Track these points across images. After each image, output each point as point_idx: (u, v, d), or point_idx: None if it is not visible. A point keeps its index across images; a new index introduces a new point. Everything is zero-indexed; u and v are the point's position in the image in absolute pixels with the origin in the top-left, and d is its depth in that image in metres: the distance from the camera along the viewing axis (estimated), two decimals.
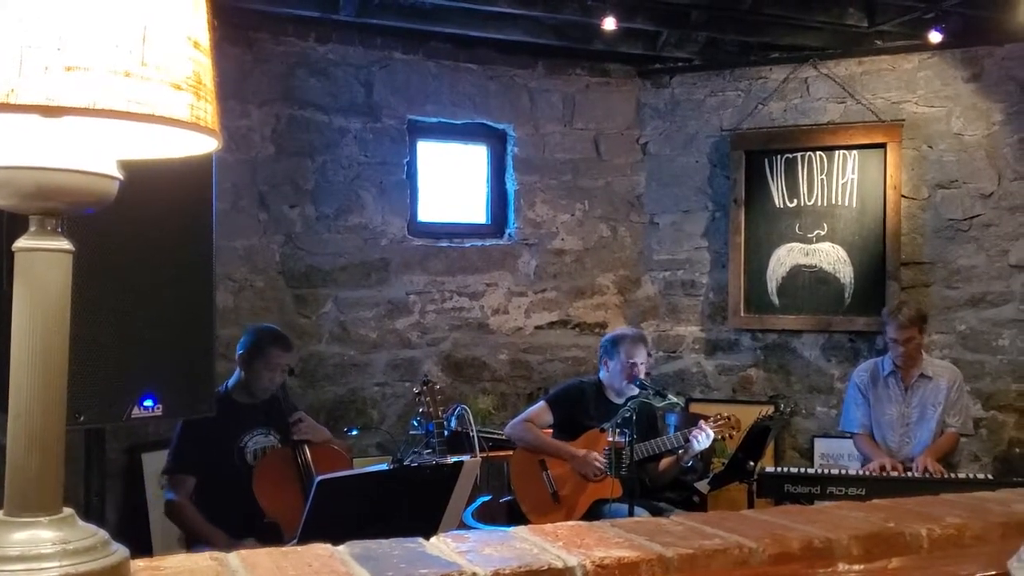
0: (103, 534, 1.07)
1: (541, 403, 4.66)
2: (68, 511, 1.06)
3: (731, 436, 4.49)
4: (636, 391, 4.39)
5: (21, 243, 1.03)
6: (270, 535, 3.40)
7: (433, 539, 1.27)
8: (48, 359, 1.04)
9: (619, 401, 4.47)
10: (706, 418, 4.48)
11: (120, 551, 1.07)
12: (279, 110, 5.24)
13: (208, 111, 1.04)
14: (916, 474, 4.44)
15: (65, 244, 1.05)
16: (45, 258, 1.03)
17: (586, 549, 1.23)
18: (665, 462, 4.53)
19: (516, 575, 1.15)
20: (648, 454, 4.39)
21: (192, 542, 3.70)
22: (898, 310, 4.72)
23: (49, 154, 0.99)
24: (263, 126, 5.19)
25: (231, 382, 3.89)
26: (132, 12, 0.95)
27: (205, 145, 1.11)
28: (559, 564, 1.18)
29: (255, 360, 3.83)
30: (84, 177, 1.01)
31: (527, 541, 1.27)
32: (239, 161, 5.02)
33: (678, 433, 4.46)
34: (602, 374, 4.64)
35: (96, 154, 1.03)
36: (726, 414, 4.51)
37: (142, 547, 3.78)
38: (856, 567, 1.34)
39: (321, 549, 1.22)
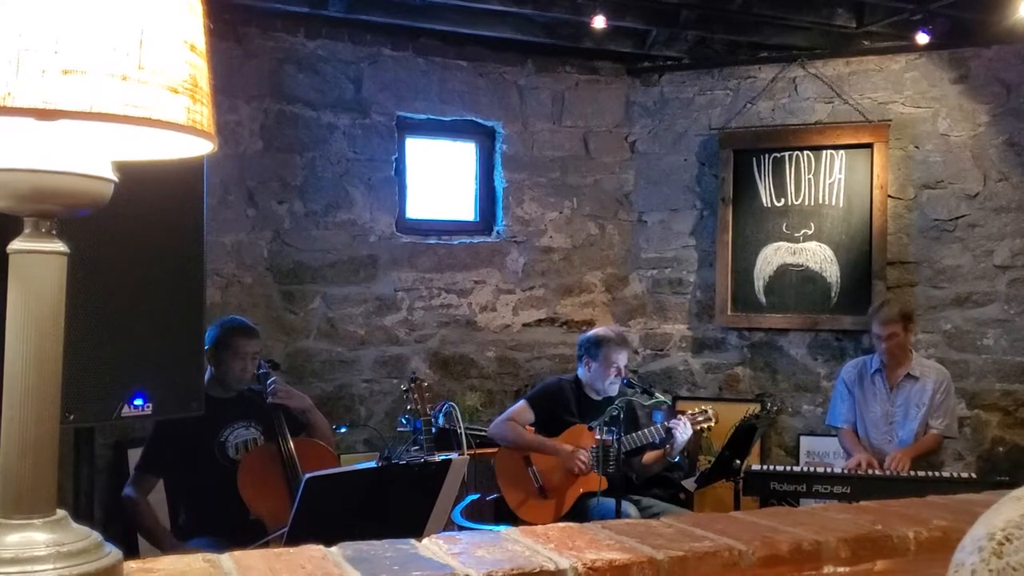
0: (96, 536, 1.07)
1: (522, 402, 4.67)
2: (62, 513, 1.06)
3: (708, 427, 4.50)
4: (620, 389, 4.40)
5: (16, 245, 1.03)
6: (255, 533, 3.39)
7: (425, 541, 1.28)
8: (42, 362, 1.04)
9: (599, 398, 4.49)
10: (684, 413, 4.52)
11: (113, 553, 1.07)
12: (267, 105, 5.23)
13: (204, 114, 1.04)
14: (891, 470, 4.48)
15: (60, 246, 1.05)
16: (40, 260, 1.03)
17: (577, 551, 1.24)
18: (650, 456, 4.53)
19: None
20: (632, 447, 4.40)
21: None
22: (880, 307, 4.83)
23: (45, 156, 0.99)
24: (251, 121, 5.18)
25: (205, 378, 3.88)
26: (129, 16, 0.95)
27: (200, 148, 1.11)
28: (551, 566, 1.19)
29: (222, 352, 3.83)
30: (80, 180, 1.01)
31: (519, 543, 1.28)
32: (227, 156, 5.00)
33: (658, 425, 4.45)
34: (581, 372, 4.64)
35: (92, 156, 1.03)
36: (703, 407, 4.53)
37: (128, 541, 3.77)
38: (843, 569, 1.36)
39: (314, 551, 1.22)
